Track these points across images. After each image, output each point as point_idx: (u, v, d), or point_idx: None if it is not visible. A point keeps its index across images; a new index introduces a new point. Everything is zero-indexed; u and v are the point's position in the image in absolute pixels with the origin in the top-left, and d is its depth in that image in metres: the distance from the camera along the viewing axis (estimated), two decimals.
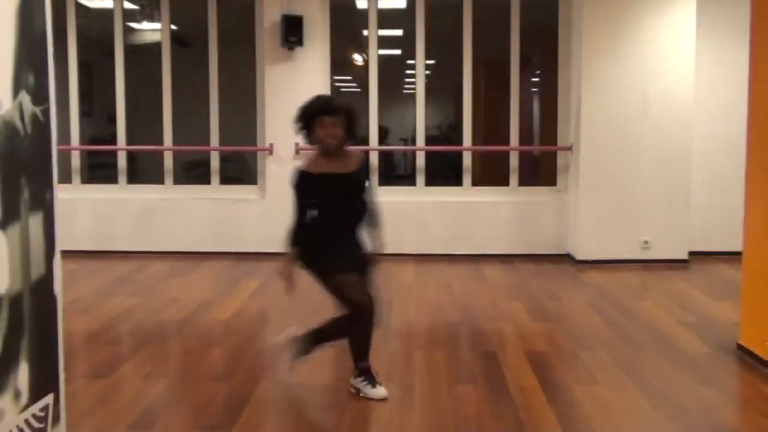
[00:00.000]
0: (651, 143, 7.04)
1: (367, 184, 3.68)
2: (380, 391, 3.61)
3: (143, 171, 8.96)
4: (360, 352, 3.66)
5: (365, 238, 3.72)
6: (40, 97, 2.40)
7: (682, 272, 6.80)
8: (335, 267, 3.55)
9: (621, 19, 7.00)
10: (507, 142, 7.75)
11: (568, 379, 4.01)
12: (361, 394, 3.62)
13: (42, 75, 2.42)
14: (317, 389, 3.82)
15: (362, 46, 8.35)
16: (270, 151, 7.49)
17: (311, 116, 3.52)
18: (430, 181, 7.75)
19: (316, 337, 3.75)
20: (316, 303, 5.61)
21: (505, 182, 7.72)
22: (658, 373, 4.03)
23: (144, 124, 8.85)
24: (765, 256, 4.20)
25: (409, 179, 8.41)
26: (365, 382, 3.62)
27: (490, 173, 8.96)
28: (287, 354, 3.74)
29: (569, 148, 7.44)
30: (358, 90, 12.27)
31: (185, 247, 7.50)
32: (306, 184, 3.54)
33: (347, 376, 3.94)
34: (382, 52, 7.91)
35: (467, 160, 7.75)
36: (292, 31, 7.24)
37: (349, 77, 13.92)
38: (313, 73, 7.46)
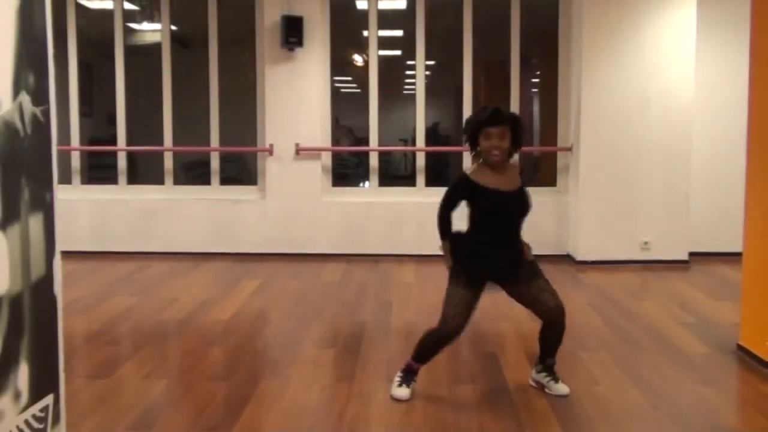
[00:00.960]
0: (651, 143, 7.04)
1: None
2: (401, 392, 3.62)
3: (143, 171, 8.96)
4: (419, 354, 3.66)
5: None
6: (40, 97, 2.39)
7: (682, 273, 6.80)
8: (457, 275, 3.54)
9: (621, 19, 7.00)
10: None
11: (568, 379, 4.00)
12: (394, 393, 3.63)
13: (42, 75, 2.42)
14: (317, 389, 3.82)
15: (362, 47, 8.35)
16: (270, 151, 7.49)
17: (476, 127, 3.46)
18: (430, 182, 7.75)
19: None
20: (316, 303, 5.63)
21: None
22: (658, 373, 4.03)
23: (144, 124, 8.85)
24: (765, 256, 4.20)
25: (409, 179, 8.42)
26: (400, 378, 3.65)
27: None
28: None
29: (569, 149, 7.44)
30: (358, 90, 12.29)
31: (185, 247, 7.50)
32: (464, 193, 3.51)
33: (347, 376, 3.95)
34: (382, 52, 7.91)
35: (467, 160, 7.74)
36: (292, 32, 7.24)
37: (349, 78, 13.92)
38: (313, 74, 7.46)
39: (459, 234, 3.56)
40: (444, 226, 3.55)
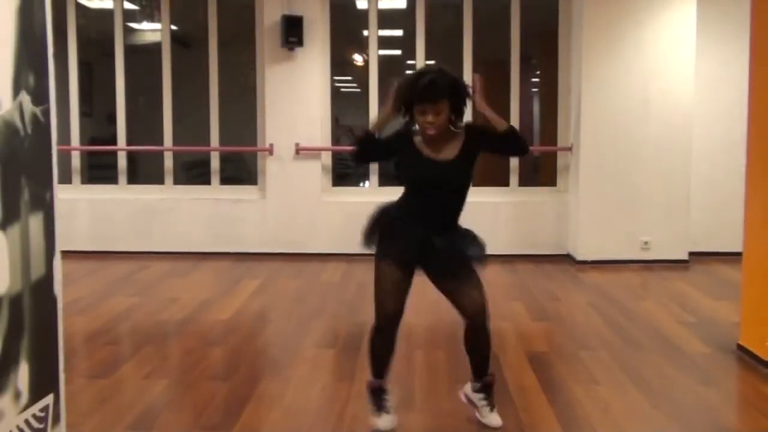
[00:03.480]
0: (651, 143, 7.04)
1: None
2: (382, 421, 3.19)
3: (143, 171, 8.96)
4: (371, 367, 3.28)
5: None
6: (40, 97, 2.39)
7: (682, 272, 6.80)
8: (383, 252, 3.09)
9: (621, 19, 7.00)
10: None
11: (568, 379, 4.01)
12: (373, 424, 3.21)
13: (42, 75, 2.42)
14: (317, 389, 3.82)
15: (362, 47, 8.35)
16: (270, 151, 7.48)
17: (408, 99, 3.00)
18: None
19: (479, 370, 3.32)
20: (316, 303, 5.63)
21: (505, 182, 7.72)
22: (658, 373, 4.03)
23: (144, 124, 8.85)
24: (765, 256, 4.19)
25: None
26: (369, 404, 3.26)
27: (490, 173, 8.96)
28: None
29: (569, 148, 7.44)
30: (358, 90, 12.27)
31: (185, 247, 7.50)
32: (398, 141, 3.10)
33: (346, 376, 3.94)
34: (382, 52, 7.90)
35: None
36: (292, 32, 7.24)
37: (350, 77, 13.93)
38: (313, 74, 7.46)
39: (385, 205, 3.20)
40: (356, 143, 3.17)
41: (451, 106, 3.01)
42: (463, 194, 3.14)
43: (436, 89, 2.94)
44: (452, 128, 3.10)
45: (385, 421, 3.19)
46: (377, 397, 3.21)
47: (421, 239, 3.08)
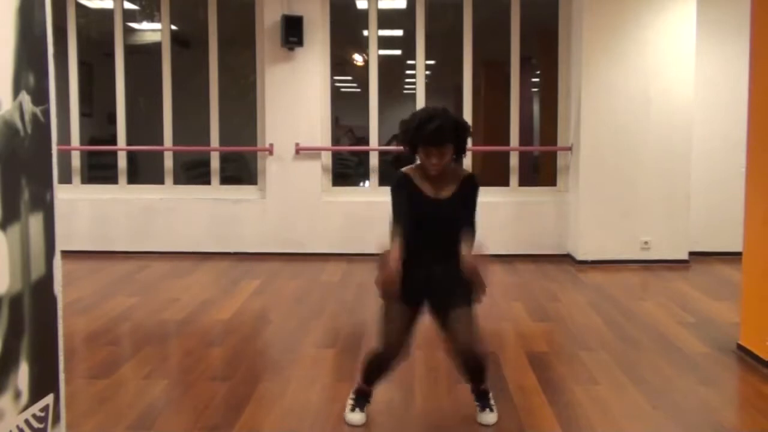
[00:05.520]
0: (651, 143, 7.04)
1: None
2: (354, 417, 3.34)
3: (143, 171, 8.97)
4: (366, 376, 3.37)
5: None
6: (40, 97, 2.39)
7: (682, 272, 6.80)
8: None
9: (621, 19, 7.00)
10: (507, 142, 7.76)
11: (568, 379, 4.01)
12: (347, 418, 3.35)
13: (42, 75, 2.42)
14: (317, 389, 3.82)
15: (362, 47, 8.36)
16: (270, 151, 7.49)
17: (414, 141, 3.10)
18: None
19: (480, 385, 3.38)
20: (316, 303, 5.63)
21: (505, 182, 7.72)
22: (658, 373, 4.03)
23: (144, 124, 8.86)
24: (765, 256, 4.19)
25: None
26: (352, 401, 3.39)
27: (490, 173, 8.97)
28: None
29: (569, 148, 7.44)
30: (358, 90, 12.29)
31: (185, 247, 7.50)
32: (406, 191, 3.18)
33: (346, 376, 3.94)
34: (382, 52, 7.91)
35: (467, 160, 7.75)
36: (293, 32, 7.24)
37: (349, 77, 13.95)
38: (313, 74, 7.46)
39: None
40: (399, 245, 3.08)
41: (454, 148, 3.13)
42: (459, 227, 3.19)
43: (442, 135, 3.06)
44: (453, 165, 3.21)
45: (359, 417, 3.35)
46: (361, 398, 3.37)
47: (424, 275, 3.17)
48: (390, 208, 3.22)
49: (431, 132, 3.03)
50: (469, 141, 3.24)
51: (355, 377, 3.81)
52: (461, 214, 3.19)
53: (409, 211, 3.17)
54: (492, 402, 3.37)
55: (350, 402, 3.39)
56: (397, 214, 3.17)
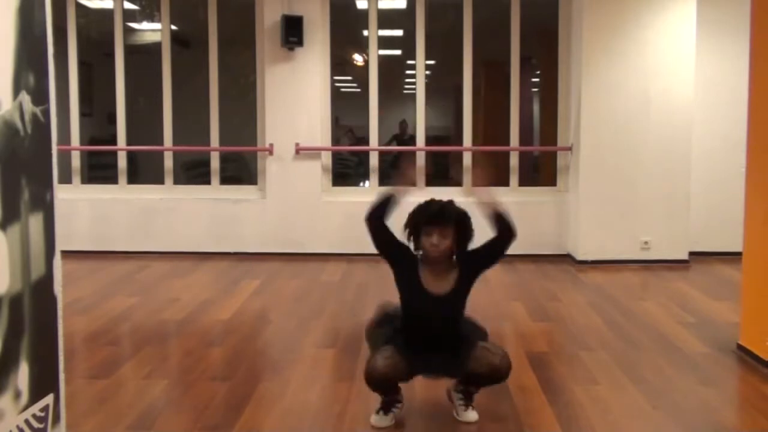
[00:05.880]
0: (651, 143, 7.04)
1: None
2: (377, 419, 3.31)
3: (143, 171, 8.98)
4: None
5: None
6: (40, 97, 2.39)
7: (682, 272, 6.80)
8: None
9: (621, 19, 7.00)
10: (507, 142, 7.75)
11: (568, 379, 4.01)
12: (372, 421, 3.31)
13: (42, 75, 2.42)
14: (317, 389, 3.82)
15: (362, 46, 8.36)
16: (270, 151, 7.49)
17: (415, 224, 3.23)
18: (430, 181, 7.75)
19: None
20: (316, 303, 5.63)
21: (505, 182, 7.72)
22: (658, 373, 4.03)
23: (144, 124, 8.86)
24: (765, 256, 4.19)
25: None
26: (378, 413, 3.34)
27: (490, 173, 8.95)
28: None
29: (569, 148, 7.44)
30: (358, 90, 12.29)
31: (185, 247, 7.50)
32: (403, 255, 3.28)
33: (346, 376, 3.94)
34: (382, 52, 7.91)
35: (467, 160, 7.75)
36: (293, 32, 7.24)
37: (349, 77, 13.95)
38: (313, 74, 7.46)
39: (390, 311, 3.42)
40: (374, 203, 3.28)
41: (456, 236, 3.20)
42: (457, 319, 3.33)
43: (444, 213, 3.20)
44: (453, 259, 3.27)
45: (385, 420, 3.29)
46: (390, 402, 3.31)
47: (422, 360, 3.25)
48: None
49: (434, 209, 3.20)
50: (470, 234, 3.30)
51: (356, 376, 3.82)
52: (461, 307, 3.32)
53: (405, 299, 3.29)
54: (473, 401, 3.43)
55: (378, 406, 3.32)
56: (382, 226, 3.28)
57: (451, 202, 3.26)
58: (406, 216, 3.28)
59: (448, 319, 3.28)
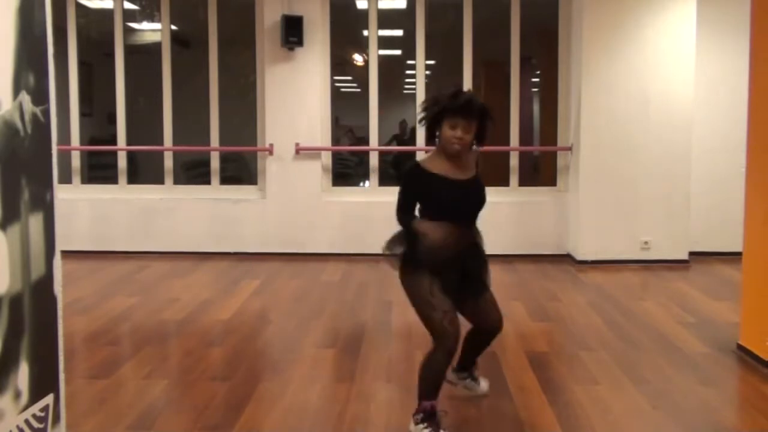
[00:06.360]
0: (651, 143, 7.04)
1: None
2: None
3: (143, 171, 8.97)
4: (431, 389, 3.14)
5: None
6: (40, 97, 2.39)
7: (682, 272, 6.80)
8: (420, 279, 3.12)
9: (621, 19, 7.00)
10: (507, 142, 7.75)
11: (568, 379, 4.01)
12: None
13: (42, 75, 2.42)
14: (317, 389, 3.82)
15: (362, 46, 8.36)
16: (270, 151, 7.49)
17: (442, 111, 3.07)
18: None
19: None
20: (316, 303, 5.63)
21: (505, 182, 7.72)
22: (658, 373, 4.03)
23: (144, 124, 8.86)
24: (765, 256, 4.19)
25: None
26: (427, 428, 3.09)
27: (490, 173, 8.97)
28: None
29: (569, 148, 7.44)
30: (358, 90, 12.28)
31: (185, 247, 7.50)
32: (418, 184, 3.14)
33: (346, 376, 3.95)
34: (382, 52, 7.91)
35: None
36: (293, 32, 7.24)
37: (349, 77, 13.95)
38: (313, 74, 7.46)
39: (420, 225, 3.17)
40: (402, 230, 3.17)
41: (476, 130, 3.12)
42: (482, 204, 3.29)
43: (472, 106, 3.07)
44: (471, 150, 3.22)
45: None
46: (435, 416, 3.12)
47: (459, 262, 3.19)
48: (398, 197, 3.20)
49: (463, 101, 3.05)
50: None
51: (356, 376, 3.81)
52: (484, 190, 3.27)
53: (434, 198, 3.14)
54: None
55: (430, 429, 3.08)
56: (404, 209, 3.17)
57: (475, 96, 3.14)
58: (425, 102, 3.17)
59: (477, 203, 3.23)
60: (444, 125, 3.08)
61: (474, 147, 3.22)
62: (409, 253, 3.17)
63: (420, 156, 7.80)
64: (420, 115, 3.18)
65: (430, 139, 3.24)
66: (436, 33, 8.08)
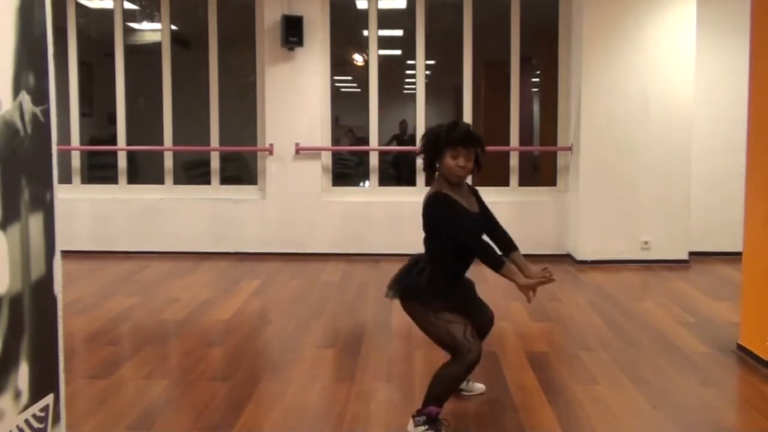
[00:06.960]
0: (651, 143, 7.04)
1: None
2: None
3: (143, 171, 8.97)
4: (442, 396, 3.23)
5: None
6: (40, 97, 2.39)
7: (682, 272, 6.80)
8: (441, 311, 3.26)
9: (621, 19, 7.00)
10: (507, 142, 7.75)
11: (568, 379, 4.01)
12: None
13: (42, 75, 2.42)
14: (317, 389, 3.82)
15: (362, 46, 8.35)
16: (270, 151, 7.49)
17: (445, 143, 3.21)
18: (431, 181, 7.74)
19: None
20: (316, 303, 5.63)
21: (505, 182, 7.72)
22: (658, 373, 4.03)
23: (144, 124, 8.86)
24: (765, 256, 4.20)
25: (408, 180, 8.42)
26: (428, 431, 3.16)
27: (490, 173, 8.97)
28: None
29: (569, 148, 7.44)
30: (358, 90, 12.30)
31: (185, 247, 7.50)
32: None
33: (346, 376, 3.94)
34: (382, 52, 7.90)
35: None
36: (293, 32, 7.24)
37: (349, 77, 13.95)
38: (313, 74, 7.46)
39: (430, 268, 3.34)
40: (491, 251, 3.22)
41: (474, 160, 3.26)
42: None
43: (471, 136, 3.23)
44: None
45: None
46: (437, 422, 3.19)
47: (469, 291, 3.56)
48: (441, 225, 3.32)
49: (463, 132, 3.21)
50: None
51: (356, 376, 3.81)
52: (490, 224, 3.46)
53: (466, 229, 3.26)
54: None
55: (423, 430, 3.16)
56: (467, 230, 3.26)
57: (470, 126, 3.31)
58: (425, 137, 3.32)
59: (482, 233, 3.38)
60: (446, 156, 3.23)
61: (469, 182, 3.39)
62: (425, 288, 3.31)
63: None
64: (422, 149, 3.33)
65: (429, 171, 3.38)
66: (436, 33, 8.08)
